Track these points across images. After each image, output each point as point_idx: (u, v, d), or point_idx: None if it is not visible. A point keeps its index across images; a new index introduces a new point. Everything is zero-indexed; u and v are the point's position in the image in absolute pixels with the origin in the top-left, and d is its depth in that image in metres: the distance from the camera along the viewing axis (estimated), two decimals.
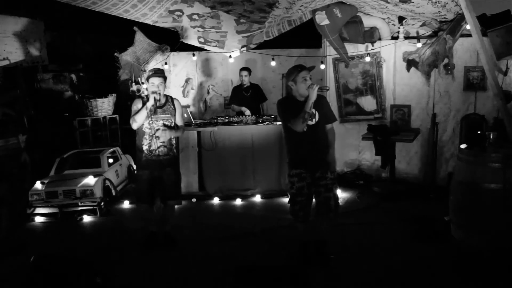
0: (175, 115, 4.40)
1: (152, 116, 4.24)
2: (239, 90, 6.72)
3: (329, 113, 3.95)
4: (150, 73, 4.29)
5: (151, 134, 4.28)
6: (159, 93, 4.22)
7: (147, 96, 4.28)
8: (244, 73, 6.59)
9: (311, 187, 3.84)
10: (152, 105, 4.19)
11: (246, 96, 6.64)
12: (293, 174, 3.87)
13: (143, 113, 4.19)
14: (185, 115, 6.58)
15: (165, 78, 4.33)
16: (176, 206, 4.64)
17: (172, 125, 4.37)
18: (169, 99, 4.42)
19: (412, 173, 6.44)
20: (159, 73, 4.32)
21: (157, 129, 4.27)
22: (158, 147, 4.30)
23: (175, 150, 4.45)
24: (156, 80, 4.23)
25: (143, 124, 4.26)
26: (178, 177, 4.54)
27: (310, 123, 3.77)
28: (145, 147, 4.31)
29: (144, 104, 4.22)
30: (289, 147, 3.98)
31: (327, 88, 4.15)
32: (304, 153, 3.84)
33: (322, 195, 3.84)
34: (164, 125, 4.30)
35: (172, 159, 4.40)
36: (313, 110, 3.77)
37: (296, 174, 3.85)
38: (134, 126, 4.25)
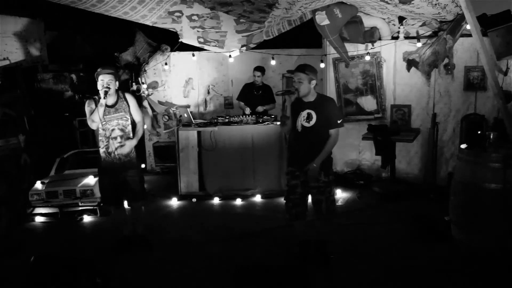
0: (129, 111, 4.23)
1: (105, 116, 4.10)
2: (250, 88, 6.72)
3: (330, 117, 3.77)
4: (98, 70, 4.12)
5: (106, 136, 4.17)
6: (108, 87, 4.02)
7: (98, 95, 4.09)
8: (257, 73, 6.59)
9: (305, 186, 3.85)
10: (104, 96, 4.00)
11: (256, 95, 6.64)
12: (288, 172, 3.93)
13: (100, 111, 4.04)
14: (185, 115, 6.61)
15: (115, 75, 4.15)
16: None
17: (128, 122, 4.22)
18: (121, 95, 4.24)
19: (412, 173, 6.44)
20: (108, 69, 4.12)
21: (112, 130, 4.17)
22: (116, 148, 4.18)
23: (134, 150, 4.29)
24: (105, 78, 4.05)
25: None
26: (141, 177, 4.42)
27: (306, 125, 3.77)
28: (102, 150, 4.20)
29: (96, 103, 4.10)
30: (288, 144, 4.06)
31: (330, 103, 3.98)
32: (297, 153, 3.87)
33: (314, 196, 3.86)
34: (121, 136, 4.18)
35: (133, 160, 4.27)
36: (312, 113, 3.76)
37: (290, 172, 3.90)
38: (94, 126, 4.13)
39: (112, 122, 4.17)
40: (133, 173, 4.27)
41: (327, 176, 3.82)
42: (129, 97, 4.28)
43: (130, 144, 4.22)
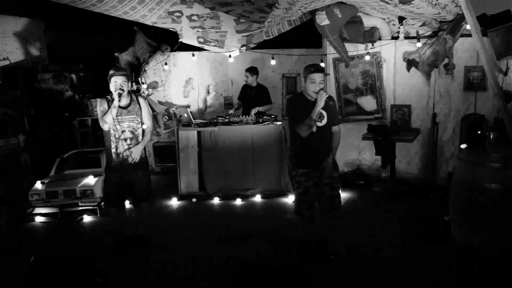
0: (141, 114, 4.27)
1: (117, 117, 4.12)
2: (246, 88, 6.81)
3: (335, 115, 3.97)
4: (111, 72, 4.14)
5: (117, 136, 4.18)
6: (122, 89, 4.06)
7: (111, 95, 4.13)
8: (246, 73, 6.66)
9: (317, 186, 3.85)
10: (119, 99, 4.04)
11: (249, 95, 6.71)
12: (301, 174, 3.85)
13: (113, 112, 4.07)
14: (185, 115, 6.62)
15: (128, 77, 4.21)
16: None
17: (139, 125, 4.24)
18: (134, 98, 4.28)
19: (412, 173, 6.44)
20: (121, 71, 4.19)
21: (123, 131, 4.17)
22: (125, 150, 4.19)
23: (144, 152, 4.34)
24: (118, 79, 4.09)
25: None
26: (149, 179, 4.44)
27: (319, 124, 3.80)
28: (112, 150, 4.21)
29: (109, 103, 4.13)
30: (296, 146, 3.96)
31: (333, 101, 3.99)
32: (312, 153, 3.84)
33: (327, 193, 3.87)
34: (129, 142, 4.21)
35: (141, 161, 4.29)
36: (323, 112, 3.80)
37: (304, 174, 3.84)
38: (105, 127, 4.15)
39: (123, 124, 4.18)
40: (141, 173, 4.30)
41: (337, 172, 3.94)
42: (142, 101, 4.32)
43: (138, 150, 4.24)
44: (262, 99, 6.67)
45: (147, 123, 4.32)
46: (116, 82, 4.08)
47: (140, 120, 4.27)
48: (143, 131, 4.32)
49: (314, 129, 3.78)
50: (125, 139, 4.20)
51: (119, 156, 4.21)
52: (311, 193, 3.85)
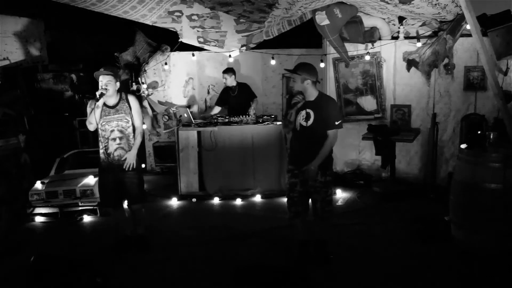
0: (130, 113, 4.16)
1: (104, 117, 4.06)
2: (227, 91, 6.77)
3: (328, 118, 3.71)
4: (97, 71, 4.06)
5: (106, 137, 4.11)
6: (106, 89, 3.99)
7: (100, 95, 4.02)
8: (224, 75, 6.62)
9: (304, 185, 3.83)
10: (100, 96, 3.95)
11: (233, 96, 6.68)
12: (288, 170, 3.94)
13: (96, 113, 4.00)
14: (185, 115, 6.61)
15: (115, 76, 4.10)
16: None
17: (129, 124, 4.15)
18: (123, 97, 4.17)
19: (412, 173, 6.44)
20: (106, 70, 4.08)
21: (112, 131, 4.10)
22: (115, 150, 4.12)
23: None
24: (104, 79, 4.02)
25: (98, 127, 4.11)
26: (140, 180, 4.31)
27: (304, 124, 3.76)
28: (101, 150, 4.15)
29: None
30: (290, 143, 4.06)
31: (329, 104, 3.91)
32: (296, 152, 3.89)
33: (312, 195, 3.85)
34: (122, 151, 4.12)
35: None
36: (311, 113, 3.75)
37: (290, 170, 3.90)
38: (91, 127, 4.10)
39: (111, 123, 4.11)
40: (131, 175, 4.19)
41: (323, 177, 3.78)
42: (131, 99, 4.20)
43: (131, 156, 4.14)
44: (247, 95, 6.65)
45: (137, 123, 4.19)
46: (102, 82, 4.02)
47: (129, 119, 4.16)
48: (135, 130, 4.21)
49: (298, 127, 3.79)
50: (114, 139, 4.12)
51: (109, 156, 4.13)
52: (296, 190, 3.85)
